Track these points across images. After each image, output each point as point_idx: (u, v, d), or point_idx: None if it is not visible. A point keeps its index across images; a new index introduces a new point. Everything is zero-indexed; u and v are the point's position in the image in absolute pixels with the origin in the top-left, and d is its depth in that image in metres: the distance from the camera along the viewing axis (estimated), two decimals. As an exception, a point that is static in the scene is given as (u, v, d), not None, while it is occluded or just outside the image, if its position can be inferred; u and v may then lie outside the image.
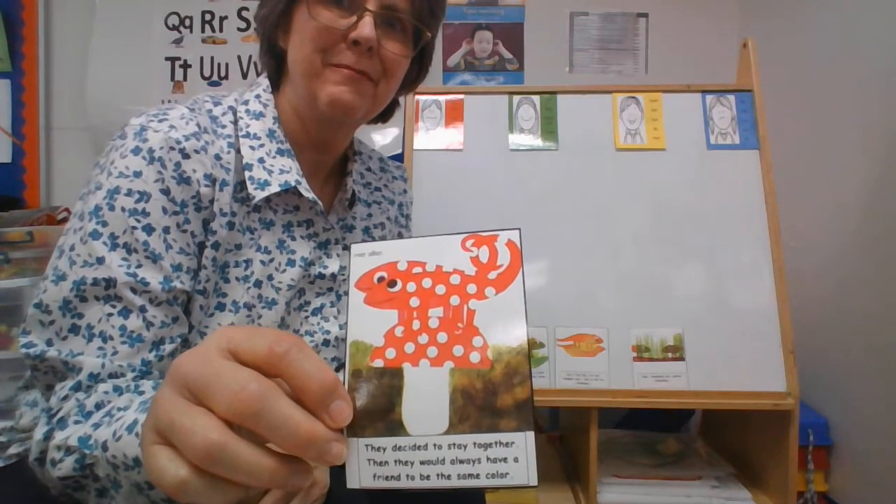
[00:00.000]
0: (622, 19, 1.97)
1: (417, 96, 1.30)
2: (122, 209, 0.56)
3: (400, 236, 0.88)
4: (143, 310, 0.56)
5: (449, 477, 0.31)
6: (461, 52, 1.98)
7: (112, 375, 0.53)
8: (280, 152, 0.68)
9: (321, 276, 0.72)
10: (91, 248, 0.55)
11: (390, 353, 0.33)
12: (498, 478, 0.31)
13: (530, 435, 0.31)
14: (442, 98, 1.30)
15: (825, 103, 1.49)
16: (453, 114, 1.29)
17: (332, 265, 0.72)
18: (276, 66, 0.71)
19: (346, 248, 0.75)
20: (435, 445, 0.31)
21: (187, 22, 1.93)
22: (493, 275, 0.34)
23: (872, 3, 1.35)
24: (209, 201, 0.61)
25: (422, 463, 0.31)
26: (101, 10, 1.90)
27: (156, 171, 0.57)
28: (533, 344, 1.15)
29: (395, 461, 0.31)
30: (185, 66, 1.92)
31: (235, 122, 0.67)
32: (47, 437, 0.51)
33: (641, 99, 1.27)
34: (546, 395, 1.13)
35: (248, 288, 0.64)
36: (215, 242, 0.62)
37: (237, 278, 0.64)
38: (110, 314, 0.55)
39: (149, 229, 0.57)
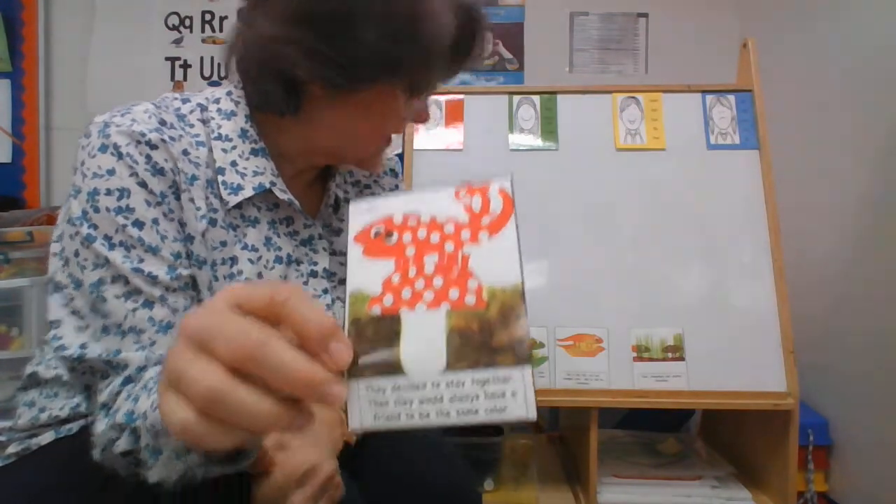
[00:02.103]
0: (622, 19, 1.97)
1: (417, 96, 1.30)
2: (107, 209, 0.57)
3: None
4: (162, 299, 0.57)
5: (448, 414, 0.31)
6: (461, 52, 1.98)
7: (157, 363, 0.55)
8: (254, 152, 0.66)
9: (314, 275, 0.71)
10: (93, 251, 0.56)
11: (388, 299, 0.34)
12: (496, 412, 0.31)
13: (527, 370, 0.31)
14: (442, 98, 1.30)
15: (825, 103, 1.49)
16: (453, 114, 1.29)
17: (322, 261, 0.71)
18: (289, 97, 0.63)
19: (335, 252, 0.75)
20: (433, 384, 0.32)
21: (187, 22, 1.93)
22: (486, 220, 0.35)
23: (872, 4, 1.35)
24: (182, 192, 0.61)
25: (421, 402, 0.32)
26: (101, 10, 1.90)
27: (127, 167, 0.58)
28: (533, 344, 1.15)
29: (395, 401, 0.32)
30: (185, 66, 1.93)
31: (206, 122, 0.65)
32: (109, 419, 0.53)
33: (641, 99, 1.27)
34: (546, 394, 1.13)
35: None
36: (188, 235, 0.61)
37: (224, 276, 0.63)
38: (135, 309, 0.56)
39: (139, 224, 0.57)
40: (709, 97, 1.26)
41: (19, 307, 1.40)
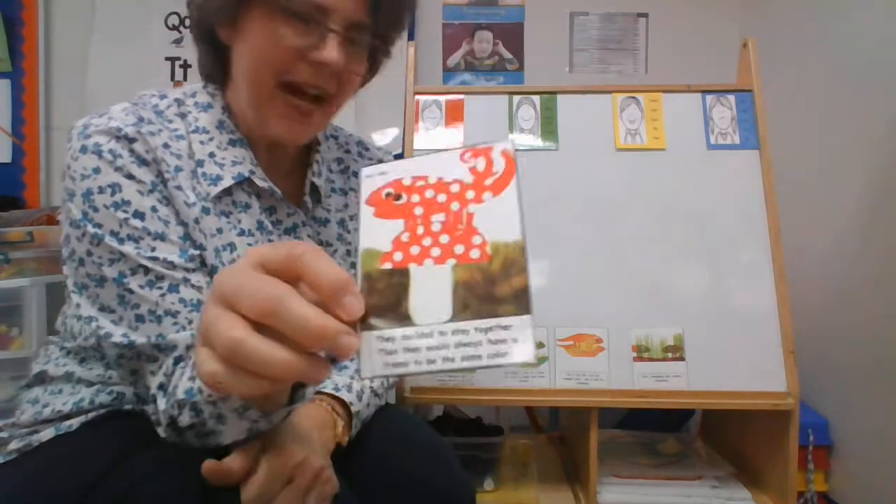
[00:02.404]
0: (622, 19, 1.97)
1: (417, 96, 1.30)
2: (105, 206, 0.58)
3: None
4: (185, 280, 0.59)
5: (453, 359, 0.33)
6: (461, 52, 1.98)
7: None
8: (232, 143, 0.67)
9: None
10: (105, 248, 0.58)
11: (397, 255, 0.36)
12: (498, 357, 0.33)
13: (528, 318, 0.33)
14: (442, 98, 1.30)
15: (825, 103, 1.49)
16: (453, 114, 1.29)
17: None
18: (215, 60, 0.68)
19: (321, 242, 0.74)
20: (440, 332, 0.34)
21: (187, 22, 1.93)
22: (489, 181, 0.37)
23: (872, 3, 1.35)
24: (168, 181, 0.62)
25: (428, 349, 0.34)
26: (101, 10, 1.90)
27: (110, 163, 0.59)
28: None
29: (404, 349, 0.34)
30: (185, 66, 1.92)
31: (183, 116, 0.67)
32: (169, 400, 0.55)
33: (641, 99, 1.27)
34: (546, 395, 1.13)
35: None
36: (182, 222, 0.62)
37: (223, 263, 0.64)
38: (163, 294, 0.58)
39: (139, 215, 0.59)
40: (709, 97, 1.26)
41: (19, 307, 1.40)
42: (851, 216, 1.39)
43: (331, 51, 0.61)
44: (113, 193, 0.58)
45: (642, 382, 1.12)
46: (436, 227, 0.36)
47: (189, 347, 0.57)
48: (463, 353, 0.33)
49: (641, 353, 1.13)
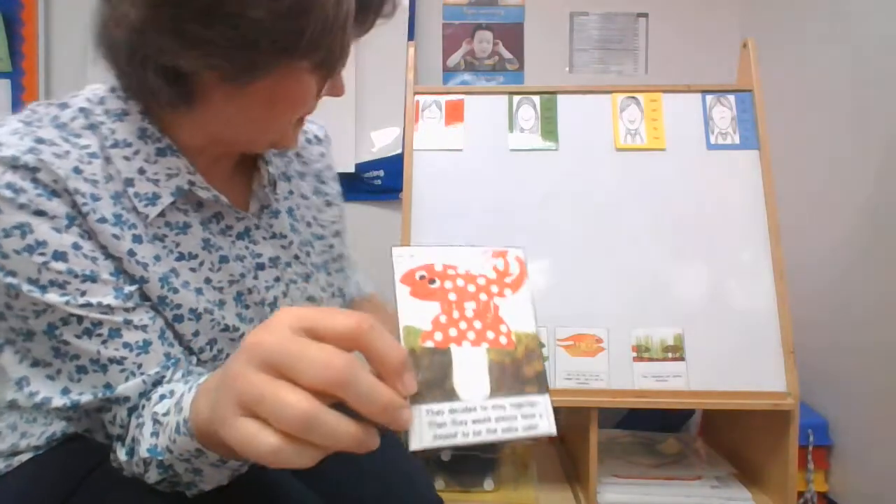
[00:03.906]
0: (622, 19, 1.97)
1: (417, 96, 1.30)
2: (16, 252, 0.49)
3: (328, 206, 0.79)
4: (127, 322, 0.52)
5: (495, 431, 0.38)
6: (461, 52, 1.98)
7: (156, 383, 0.53)
8: (160, 152, 0.58)
9: (261, 267, 0.65)
10: (27, 300, 0.50)
11: (438, 335, 0.40)
12: (531, 429, 0.39)
13: (547, 397, 0.40)
14: (442, 98, 1.30)
15: (825, 103, 1.49)
16: (453, 114, 1.29)
17: (265, 250, 0.66)
18: (178, 92, 0.55)
19: (275, 235, 0.68)
20: (482, 407, 0.38)
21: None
22: (508, 280, 0.44)
23: (872, 4, 1.35)
24: (86, 215, 0.52)
25: (474, 422, 0.38)
26: (101, 10, 1.90)
27: (11, 201, 0.48)
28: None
29: (452, 422, 0.37)
30: (185, 66, 1.92)
31: (94, 128, 0.56)
32: (130, 456, 0.51)
33: (641, 99, 1.27)
34: (546, 395, 1.13)
35: (196, 296, 0.59)
36: (114, 256, 0.54)
37: (175, 290, 0.57)
38: (104, 342, 0.51)
39: (59, 256, 0.50)
40: (709, 97, 1.26)
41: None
42: (851, 216, 1.39)
43: (343, 85, 0.62)
44: (23, 236, 0.49)
45: (642, 382, 1.12)
46: (469, 314, 0.41)
47: (143, 394, 0.52)
48: (503, 425, 0.38)
49: (641, 353, 1.13)
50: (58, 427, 0.62)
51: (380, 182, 1.90)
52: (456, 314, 0.41)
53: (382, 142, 1.89)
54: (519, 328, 0.42)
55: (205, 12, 0.48)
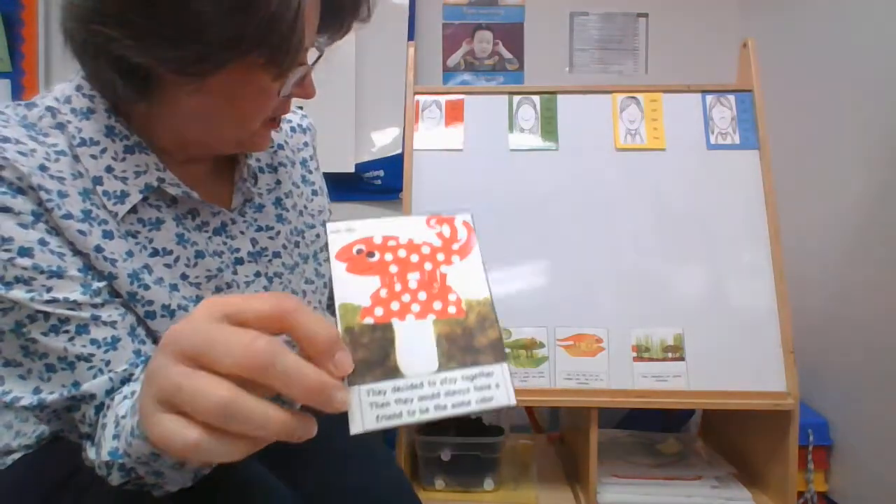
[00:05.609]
0: (622, 19, 1.97)
1: (417, 96, 1.30)
2: None
3: (314, 195, 0.79)
4: (95, 318, 0.52)
5: (444, 407, 0.36)
6: (461, 52, 1.98)
7: (124, 381, 0.52)
8: (128, 150, 0.57)
9: (239, 262, 0.65)
10: None
11: (378, 311, 0.38)
12: (485, 402, 0.37)
13: (505, 366, 0.38)
14: (442, 98, 1.30)
15: (825, 103, 1.49)
16: (453, 114, 1.29)
17: (244, 245, 0.65)
18: (136, 90, 0.55)
19: (261, 228, 0.68)
20: (429, 383, 0.36)
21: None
22: (455, 246, 0.42)
23: (872, 4, 1.35)
24: (51, 211, 0.52)
25: (420, 399, 0.36)
26: (101, 10, 1.90)
27: None
28: (533, 344, 1.15)
29: (396, 401, 0.35)
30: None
31: (62, 127, 0.56)
32: (97, 456, 0.51)
33: (641, 99, 1.27)
34: (546, 395, 1.13)
35: (170, 292, 0.58)
36: (81, 253, 0.54)
37: (146, 286, 0.57)
38: (71, 338, 0.51)
39: (25, 252, 0.49)
40: (709, 97, 1.26)
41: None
42: (851, 216, 1.39)
43: (313, 88, 0.61)
44: None
45: (642, 382, 1.12)
46: (413, 285, 0.39)
47: (109, 392, 0.51)
48: (453, 400, 0.36)
49: (641, 353, 1.13)
50: (48, 426, 0.61)
51: (380, 182, 1.90)
52: (398, 287, 0.39)
53: (382, 142, 1.89)
54: (470, 295, 0.40)
55: (148, 3, 0.48)
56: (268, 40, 0.51)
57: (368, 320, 0.37)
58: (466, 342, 0.38)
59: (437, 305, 0.39)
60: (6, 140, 0.51)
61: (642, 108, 1.26)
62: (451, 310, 0.39)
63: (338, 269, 0.39)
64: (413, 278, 0.40)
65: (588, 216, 1.21)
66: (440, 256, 0.41)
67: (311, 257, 0.75)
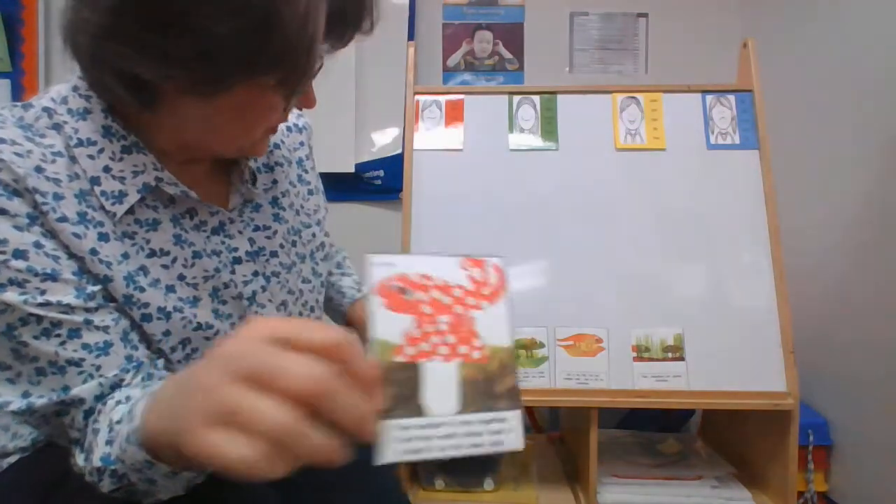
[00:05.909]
0: (622, 19, 1.97)
1: (417, 96, 1.30)
2: None
3: (310, 194, 0.79)
4: (88, 322, 0.52)
5: (460, 447, 0.39)
6: (461, 52, 1.98)
7: (114, 386, 0.52)
8: (125, 150, 0.57)
9: (238, 262, 0.64)
10: None
11: (409, 349, 0.40)
12: (496, 445, 0.40)
13: (518, 412, 0.41)
14: (442, 98, 1.30)
15: (825, 103, 1.49)
16: (453, 114, 1.29)
17: (242, 244, 0.65)
18: (141, 101, 0.55)
19: (258, 227, 0.67)
20: (450, 423, 0.39)
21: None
22: (485, 290, 0.44)
23: (872, 4, 1.35)
24: (47, 214, 0.52)
25: (440, 438, 0.39)
26: (101, 10, 1.90)
27: None
28: (533, 344, 1.15)
29: (419, 437, 0.38)
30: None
31: (59, 128, 0.56)
32: (86, 462, 0.51)
33: (641, 99, 1.27)
34: (546, 395, 1.13)
35: (165, 294, 0.58)
36: (77, 256, 0.53)
37: (141, 289, 0.57)
38: (63, 343, 0.51)
39: (20, 254, 0.49)
40: (709, 97, 1.26)
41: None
42: (852, 216, 1.39)
43: (314, 97, 0.62)
44: None
45: (642, 382, 1.12)
46: (443, 328, 0.42)
47: (99, 397, 0.51)
48: (469, 441, 0.39)
49: (641, 353, 1.13)
50: (41, 430, 0.61)
51: (380, 182, 1.90)
52: (429, 328, 0.41)
53: (382, 142, 1.89)
54: (493, 342, 0.42)
55: (166, 25, 0.48)
56: (283, 64, 0.52)
57: (400, 359, 0.40)
58: (487, 388, 0.41)
59: (463, 349, 0.41)
60: (2, 141, 0.51)
61: (642, 108, 1.26)
62: (476, 354, 0.42)
63: (375, 304, 0.41)
64: (443, 321, 0.42)
65: (588, 216, 1.21)
66: (470, 301, 0.43)
67: (308, 256, 0.75)
